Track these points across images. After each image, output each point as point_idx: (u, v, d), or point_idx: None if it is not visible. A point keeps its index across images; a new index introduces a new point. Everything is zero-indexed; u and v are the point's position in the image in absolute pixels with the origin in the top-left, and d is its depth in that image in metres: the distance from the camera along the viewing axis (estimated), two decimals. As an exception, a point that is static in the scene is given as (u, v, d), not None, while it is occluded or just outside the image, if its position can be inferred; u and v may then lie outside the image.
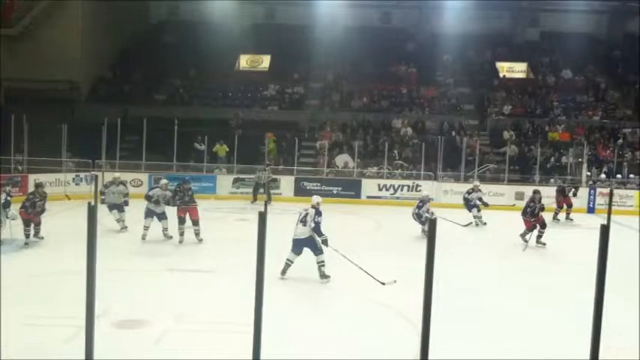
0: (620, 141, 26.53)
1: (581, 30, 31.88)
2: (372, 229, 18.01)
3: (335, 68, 31.58)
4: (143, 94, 28.81)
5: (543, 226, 15.22)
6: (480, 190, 18.96)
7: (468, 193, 18.86)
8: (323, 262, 10.88)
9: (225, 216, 19.22)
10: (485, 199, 19.01)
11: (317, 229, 10.79)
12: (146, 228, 14.41)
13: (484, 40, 32.30)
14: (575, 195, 20.54)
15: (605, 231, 4.01)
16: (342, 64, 31.57)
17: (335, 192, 23.31)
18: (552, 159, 25.55)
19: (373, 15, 33.89)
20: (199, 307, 9.48)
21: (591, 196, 22.59)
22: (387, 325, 8.74)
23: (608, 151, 25.86)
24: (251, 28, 32.21)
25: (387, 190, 23.51)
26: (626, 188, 22.85)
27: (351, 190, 23.35)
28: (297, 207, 21.04)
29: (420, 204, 16.07)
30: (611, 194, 18.74)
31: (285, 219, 18.66)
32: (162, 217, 14.59)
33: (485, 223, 18.38)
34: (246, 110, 28.63)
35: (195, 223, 14.43)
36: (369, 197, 23.18)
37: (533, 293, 10.73)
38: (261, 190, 22.19)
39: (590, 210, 22.11)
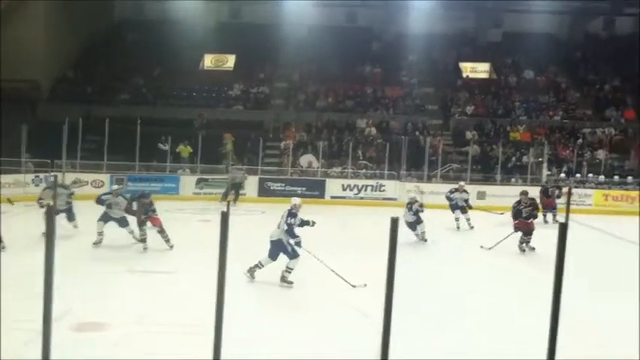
0: (580, 141, 27.05)
1: (543, 31, 32.32)
2: (338, 229, 18.05)
3: (300, 68, 31.60)
4: (106, 94, 28.53)
5: (529, 232, 14.23)
6: (464, 191, 18.33)
7: (451, 192, 18.35)
8: (291, 269, 10.67)
9: (188, 217, 19.13)
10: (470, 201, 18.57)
11: (289, 231, 10.61)
12: (100, 233, 13.71)
13: (448, 41, 32.61)
14: (559, 196, 20.22)
15: (563, 229, 4.12)
16: (307, 63, 31.59)
17: (299, 192, 23.30)
18: (514, 159, 25.93)
19: (339, 14, 33.97)
20: (161, 308, 9.40)
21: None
22: (353, 327, 8.80)
23: (567, 151, 26.34)
24: (216, 27, 32.05)
25: (351, 190, 23.65)
26: (584, 187, 23.27)
27: (315, 190, 23.44)
28: (261, 207, 21.37)
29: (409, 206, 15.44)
30: (569, 193, 19.08)
31: (249, 219, 18.79)
32: (123, 223, 13.92)
33: (472, 227, 17.84)
34: (211, 110, 28.51)
35: (161, 230, 13.78)
36: (333, 197, 23.29)
37: (512, 296, 10.80)
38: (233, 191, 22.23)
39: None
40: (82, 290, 9.92)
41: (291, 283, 10.65)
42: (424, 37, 30.65)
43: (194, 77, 30.73)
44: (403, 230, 14.69)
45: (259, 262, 10.82)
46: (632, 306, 9.61)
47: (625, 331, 8.62)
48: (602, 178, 24.15)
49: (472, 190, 22.56)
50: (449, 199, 18.22)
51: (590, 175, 24.29)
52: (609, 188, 23.59)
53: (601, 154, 26.06)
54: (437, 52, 32.60)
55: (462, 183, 18.99)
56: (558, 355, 3.78)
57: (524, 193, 15.04)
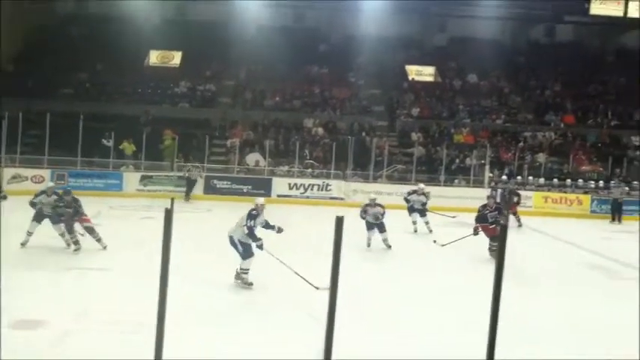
0: (521, 144, 27.68)
1: (487, 36, 32.84)
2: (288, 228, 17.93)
3: (248, 66, 31.47)
4: (48, 88, 27.79)
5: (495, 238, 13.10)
6: (423, 194, 17.47)
7: (409, 194, 17.77)
8: (246, 269, 10.40)
9: (131, 213, 18.86)
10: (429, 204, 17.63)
11: (249, 233, 10.25)
12: (29, 234, 12.92)
13: (395, 43, 32.87)
14: (518, 203, 20.19)
15: (503, 229, 4.22)
16: (254, 62, 31.45)
17: (245, 190, 23.28)
18: (457, 160, 26.36)
19: (287, 15, 33.91)
20: (100, 306, 9.23)
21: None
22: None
23: (509, 154, 26.91)
24: (161, 24, 31.55)
25: (297, 189, 23.69)
26: (525, 189, 23.78)
27: (261, 188, 23.32)
28: (207, 205, 21.20)
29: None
30: (510, 195, 19.47)
31: (195, 217, 18.61)
32: (55, 220, 13.07)
33: (430, 231, 16.95)
34: (157, 107, 28.10)
35: (91, 230, 13.05)
36: (279, 196, 23.24)
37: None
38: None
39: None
40: (18, 287, 9.66)
41: (250, 284, 10.39)
42: (371, 40, 30.77)
43: (139, 73, 30.24)
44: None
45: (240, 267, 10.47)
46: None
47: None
48: (542, 180, 24.74)
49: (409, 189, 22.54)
50: (406, 200, 17.67)
51: (531, 177, 24.86)
52: (549, 190, 24.19)
53: (541, 157, 26.74)
54: (383, 55, 32.76)
55: (421, 185, 18.18)
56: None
57: (492, 197, 14.73)
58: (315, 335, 7.86)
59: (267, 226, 10.62)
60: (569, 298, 10.68)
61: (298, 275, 9.69)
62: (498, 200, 19.36)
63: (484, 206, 14.18)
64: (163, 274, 4.19)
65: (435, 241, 14.38)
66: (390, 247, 14.45)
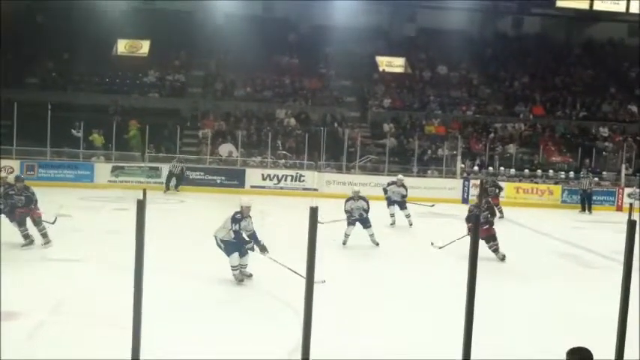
0: (492, 135, 27.92)
1: (455, 27, 32.95)
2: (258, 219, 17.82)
3: (217, 56, 31.14)
4: (14, 77, 27.09)
5: (490, 239, 12.81)
6: (402, 186, 16.81)
7: (388, 184, 17.21)
8: (235, 266, 10.07)
9: (103, 205, 18.55)
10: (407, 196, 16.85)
11: (236, 237, 9.95)
12: None
13: (364, 34, 32.72)
14: (497, 195, 19.79)
15: (476, 219, 4.20)
16: (224, 52, 31.12)
17: (219, 181, 23.13)
18: (429, 151, 26.49)
19: (255, 4, 33.56)
20: (76, 298, 9.06)
21: (465, 187, 23.70)
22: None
23: (480, 145, 27.14)
24: (129, 12, 30.97)
25: (270, 179, 23.56)
26: (496, 179, 23.97)
27: (234, 179, 23.20)
28: (180, 196, 20.97)
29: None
30: (482, 185, 19.58)
31: (168, 208, 18.38)
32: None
33: (411, 224, 16.49)
34: (126, 97, 27.63)
35: (39, 222, 12.18)
36: (252, 187, 23.11)
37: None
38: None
39: (465, 200, 23.11)
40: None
41: (241, 280, 10.09)
42: (340, 30, 30.65)
43: (107, 63, 29.71)
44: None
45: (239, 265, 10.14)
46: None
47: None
48: (513, 171, 24.97)
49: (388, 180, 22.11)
50: (384, 191, 17.05)
51: (502, 168, 25.06)
52: (520, 181, 24.44)
53: (512, 148, 27.02)
54: (353, 45, 32.63)
55: (400, 176, 17.54)
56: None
57: (485, 196, 14.12)
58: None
59: (252, 236, 10.11)
60: (541, 286, 10.80)
61: (293, 271, 8.98)
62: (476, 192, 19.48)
63: (476, 206, 13.78)
64: (138, 266, 4.09)
65: (432, 244, 12.99)
66: (377, 244, 13.64)
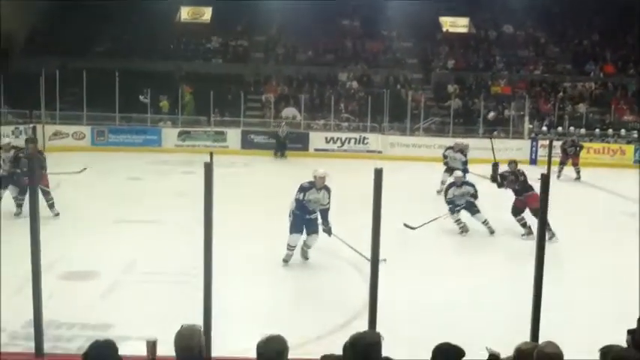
0: (561, 94, 27.11)
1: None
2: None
3: (278, 21, 31.01)
4: (82, 45, 27.69)
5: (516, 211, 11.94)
6: (460, 151, 15.41)
7: (445, 149, 16.02)
8: (310, 246, 9.66)
9: (171, 168, 18.93)
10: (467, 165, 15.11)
11: (298, 207, 9.38)
12: None
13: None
14: (577, 154, 19.44)
15: (545, 180, 4.08)
16: (284, 16, 30.92)
17: (284, 145, 23.24)
18: (494, 112, 25.92)
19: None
20: (149, 257, 9.36)
21: (533, 148, 23.15)
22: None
23: (549, 105, 26.40)
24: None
25: (334, 142, 23.54)
26: (575, 140, 23.24)
27: (298, 142, 23.27)
28: (244, 160, 21.16)
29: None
30: (550, 146, 19.06)
31: (233, 172, 18.61)
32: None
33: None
34: (189, 63, 27.91)
35: (46, 192, 11.52)
36: (316, 150, 23.16)
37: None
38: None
39: (533, 162, 22.62)
40: (67, 240, 9.76)
41: (306, 259, 9.77)
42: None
43: (171, 30, 30.04)
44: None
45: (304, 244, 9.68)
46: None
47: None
48: (583, 131, 24.19)
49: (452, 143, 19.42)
50: (443, 156, 15.78)
51: (572, 128, 24.32)
52: (590, 141, 23.67)
53: (582, 107, 26.17)
54: (416, 6, 32.06)
55: (458, 141, 16.48)
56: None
57: (514, 162, 12.52)
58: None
59: (323, 213, 9.45)
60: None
61: (353, 249, 8.79)
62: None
63: (512, 172, 12.17)
64: (207, 227, 4.18)
65: (405, 224, 11.08)
66: (492, 232, 11.75)
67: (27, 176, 10.30)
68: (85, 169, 13.73)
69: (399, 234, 10.61)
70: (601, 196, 17.02)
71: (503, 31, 31.92)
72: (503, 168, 12.48)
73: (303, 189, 9.36)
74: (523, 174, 12.18)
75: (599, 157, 23.10)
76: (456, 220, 11.62)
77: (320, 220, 9.47)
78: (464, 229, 11.55)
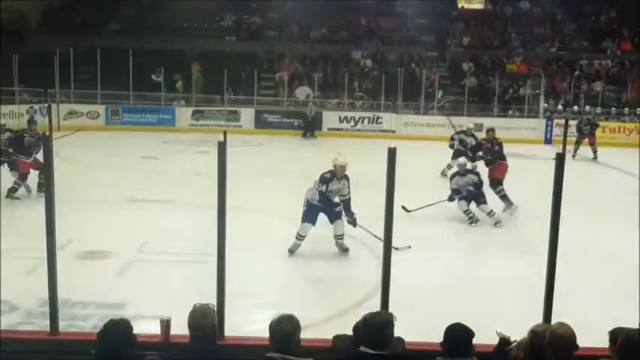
0: (577, 72, 26.80)
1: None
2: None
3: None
4: (95, 24, 27.66)
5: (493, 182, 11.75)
6: (472, 135, 14.78)
7: (457, 132, 15.48)
8: (341, 235, 9.04)
9: (185, 148, 18.99)
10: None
11: (322, 200, 8.85)
12: None
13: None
14: (592, 133, 19.33)
15: (560, 159, 4.04)
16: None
17: (296, 124, 23.18)
18: (510, 91, 25.71)
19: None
20: (162, 237, 9.39)
21: (548, 127, 22.96)
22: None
23: (565, 83, 26.13)
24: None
25: (347, 122, 23.48)
26: (592, 118, 23.02)
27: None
28: (258, 139, 21.13)
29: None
30: (566, 125, 18.91)
31: (246, 151, 18.63)
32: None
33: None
34: (203, 41, 27.78)
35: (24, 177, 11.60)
36: (330, 129, 23.12)
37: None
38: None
39: (548, 141, 22.48)
40: (82, 219, 9.83)
41: (346, 250, 9.13)
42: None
43: (183, 7, 29.87)
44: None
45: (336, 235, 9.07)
46: None
47: None
48: (599, 109, 23.92)
49: (468, 122, 18.80)
50: (451, 138, 15.33)
51: (587, 107, 24.03)
52: (606, 120, 23.45)
53: (598, 86, 25.88)
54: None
55: (470, 125, 15.84)
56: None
57: (492, 130, 12.54)
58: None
59: (345, 204, 8.94)
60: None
61: (376, 237, 8.20)
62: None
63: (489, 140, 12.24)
64: (221, 207, 4.19)
65: (403, 207, 10.49)
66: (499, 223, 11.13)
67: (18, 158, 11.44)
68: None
69: (407, 216, 10.60)
70: (615, 176, 16.84)
71: (519, 8, 31.53)
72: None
73: (325, 180, 8.73)
74: (500, 144, 12.19)
75: (615, 136, 22.88)
76: (465, 211, 11.09)
77: (339, 207, 8.96)
78: (473, 220, 11.04)
